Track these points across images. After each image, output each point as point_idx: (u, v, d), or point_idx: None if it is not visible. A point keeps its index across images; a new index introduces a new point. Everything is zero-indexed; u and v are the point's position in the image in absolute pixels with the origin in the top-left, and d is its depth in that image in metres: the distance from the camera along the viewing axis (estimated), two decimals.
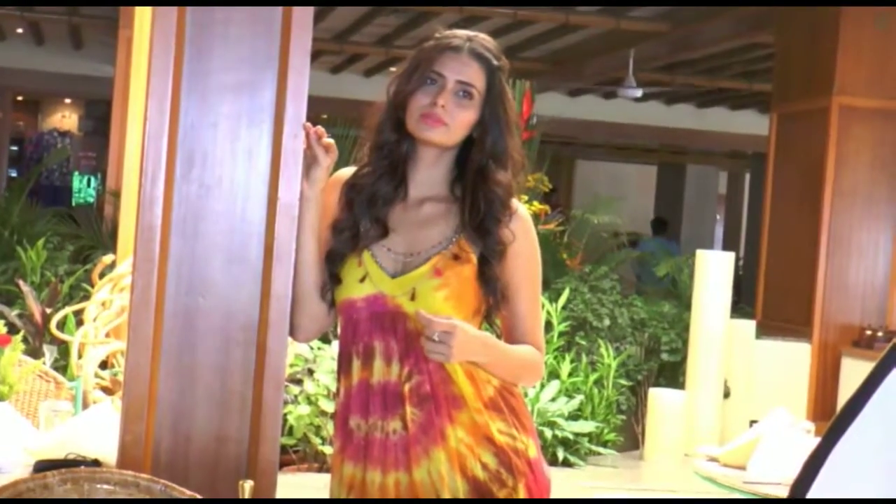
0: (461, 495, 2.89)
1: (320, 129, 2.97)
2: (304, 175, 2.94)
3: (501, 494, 2.92)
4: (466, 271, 2.94)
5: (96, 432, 3.75)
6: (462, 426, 2.92)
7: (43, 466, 3.31)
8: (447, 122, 2.94)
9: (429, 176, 3.03)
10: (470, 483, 2.91)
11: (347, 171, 3.09)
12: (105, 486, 2.60)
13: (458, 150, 3.02)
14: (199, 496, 2.61)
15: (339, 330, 3.06)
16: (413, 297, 2.90)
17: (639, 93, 13.21)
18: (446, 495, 2.89)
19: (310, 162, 2.95)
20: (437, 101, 2.93)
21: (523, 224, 3.02)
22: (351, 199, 3.03)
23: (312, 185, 2.95)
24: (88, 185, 18.21)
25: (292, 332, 3.00)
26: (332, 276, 3.00)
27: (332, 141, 2.98)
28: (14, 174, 17.91)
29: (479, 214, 2.96)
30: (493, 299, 2.97)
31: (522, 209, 3.03)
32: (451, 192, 3.02)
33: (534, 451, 3.00)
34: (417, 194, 3.03)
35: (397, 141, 3.01)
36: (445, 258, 2.94)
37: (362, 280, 2.95)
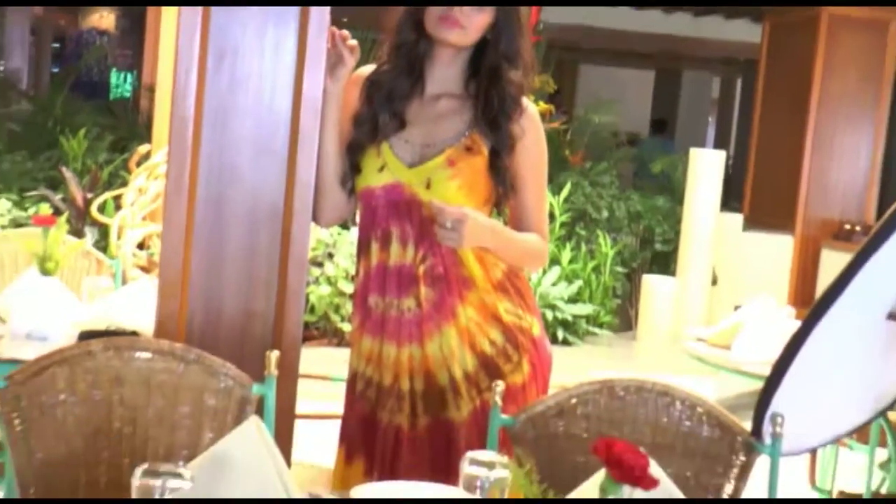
0: (470, 368, 2.93)
1: (345, 32, 2.95)
2: (329, 73, 2.94)
3: (507, 368, 2.95)
4: (478, 163, 2.94)
5: (135, 307, 3.78)
6: (472, 305, 2.95)
7: (86, 336, 3.35)
8: (464, 24, 2.92)
9: (445, 74, 3.02)
10: (478, 357, 2.94)
11: (368, 69, 3.08)
12: (144, 354, 2.63)
13: (472, 50, 3.00)
14: (229, 364, 2.64)
15: (358, 217, 3.07)
16: (428, 186, 2.91)
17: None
18: (456, 368, 2.92)
19: (335, 61, 2.94)
20: (455, 4, 2.92)
21: (532, 121, 3.01)
22: (371, 94, 3.01)
23: (336, 82, 2.95)
24: (125, 80, 18.12)
25: (315, 218, 3.01)
26: (353, 165, 3.00)
27: (355, 42, 2.97)
28: (56, 70, 17.83)
29: (491, 110, 2.95)
30: (502, 189, 2.97)
31: (532, 107, 3.02)
32: (466, 89, 3.01)
33: (537, 329, 3.03)
34: (434, 90, 3.02)
35: (416, 41, 2.99)
36: (459, 150, 2.93)
37: (381, 169, 2.96)
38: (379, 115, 2.99)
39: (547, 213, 3.09)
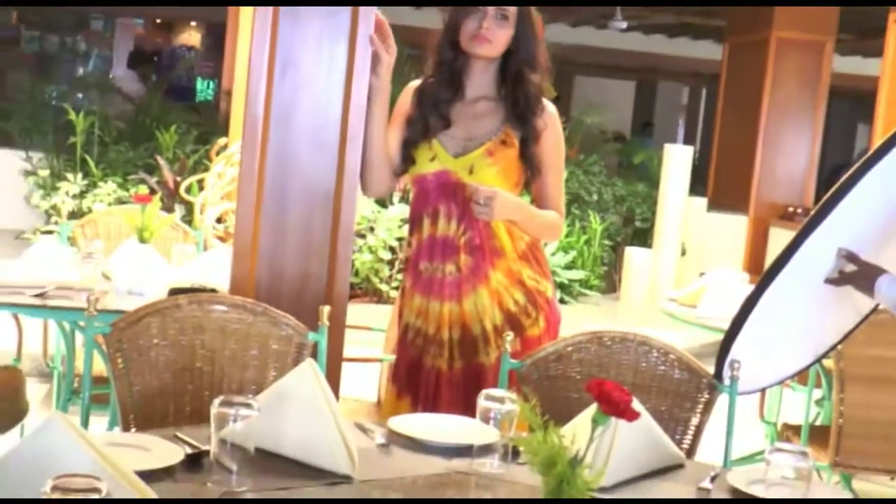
0: (497, 322, 2.94)
1: (380, 17, 2.91)
2: (371, 71, 2.91)
3: (527, 323, 2.97)
4: (511, 153, 2.95)
5: (214, 269, 3.78)
6: (501, 271, 2.96)
7: (175, 292, 3.34)
8: (491, 39, 2.94)
9: (480, 81, 3.02)
10: (504, 313, 2.95)
11: (417, 83, 3.08)
12: (220, 307, 2.63)
13: (500, 59, 3.00)
14: (290, 316, 2.63)
15: (411, 198, 3.06)
16: (471, 172, 2.93)
17: (624, 25, 12.98)
18: (487, 322, 2.94)
19: (374, 61, 2.91)
20: (483, 24, 2.93)
21: (552, 117, 3.02)
22: (421, 100, 3.03)
23: (379, 77, 2.92)
24: (208, 86, 18.10)
25: (364, 188, 3.00)
26: (408, 158, 3.00)
27: (390, 36, 2.94)
28: (153, 79, 17.84)
29: (518, 108, 2.96)
30: (530, 173, 2.98)
31: (551, 106, 3.03)
32: (498, 92, 3.02)
33: (550, 292, 3.05)
34: (472, 95, 3.03)
35: (454, 57, 3.01)
36: (496, 143, 2.95)
37: (432, 160, 2.97)
38: (428, 117, 3.00)
39: (563, 194, 3.07)
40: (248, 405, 1.92)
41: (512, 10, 2.95)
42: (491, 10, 2.93)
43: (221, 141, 7.17)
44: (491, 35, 2.93)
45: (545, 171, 2.99)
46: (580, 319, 8.09)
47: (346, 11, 2.87)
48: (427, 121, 3.00)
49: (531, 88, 2.97)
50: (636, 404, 1.82)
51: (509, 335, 2.68)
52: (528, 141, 2.96)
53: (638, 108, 19.11)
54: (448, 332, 2.95)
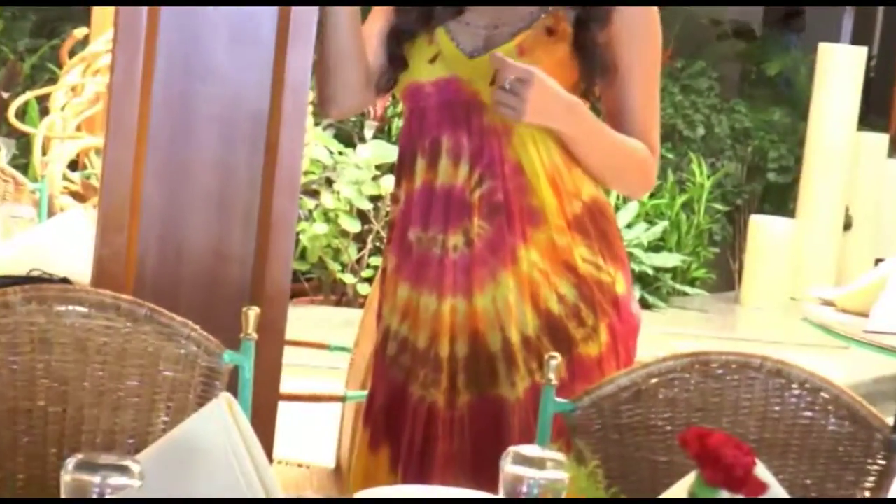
0: (530, 330, 2.93)
1: None
2: None
3: (579, 334, 2.95)
4: (561, 50, 2.94)
5: (65, 245, 3.80)
6: (538, 247, 2.95)
7: (1, 283, 3.36)
8: None
9: None
10: (542, 317, 2.94)
11: None
12: (78, 308, 2.64)
13: None
14: (191, 322, 2.65)
15: (401, 127, 3.09)
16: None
17: None
18: (513, 328, 2.93)
19: None
20: None
21: None
22: None
23: None
24: None
25: (322, 105, 3.04)
26: (396, 58, 3.01)
27: None
28: None
29: None
30: (595, 78, 2.97)
31: None
32: None
33: (622, 286, 3.02)
34: None
35: None
36: (537, 32, 2.94)
37: (433, 60, 2.97)
38: None
39: (658, 119, 3.05)
40: (123, 469, 1.94)
41: None
42: None
43: (78, 33, 7.18)
44: None
45: (623, 77, 2.99)
46: (673, 333, 8.12)
47: None
48: None
49: None
50: (762, 471, 1.85)
51: (555, 357, 2.70)
52: (591, 24, 2.94)
53: None
54: (449, 347, 2.95)
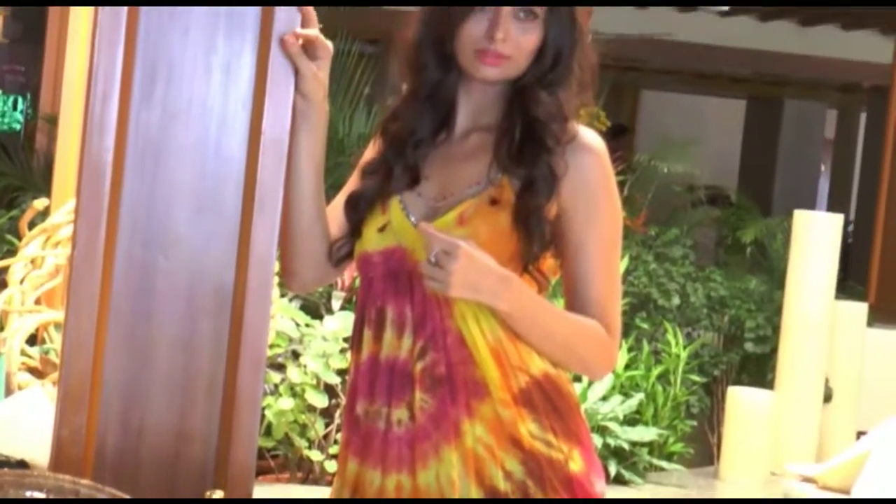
0: None
1: (305, 32, 2.96)
2: (296, 87, 2.95)
3: None
4: (503, 220, 2.95)
5: (24, 424, 3.77)
6: (483, 421, 2.95)
7: None
8: (509, 53, 2.98)
9: (480, 104, 3.07)
10: (487, 494, 2.93)
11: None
12: (36, 494, 2.62)
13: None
14: None
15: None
16: None
17: (725, 6, 13.19)
18: None
19: (302, 70, 2.95)
20: (495, 33, 2.96)
21: (589, 156, 3.00)
22: (385, 138, 3.10)
23: (306, 97, 2.97)
24: (14, 107, 18.22)
25: (286, 278, 3.07)
26: (354, 225, 3.06)
27: (316, 34, 2.97)
28: None
29: (528, 139, 2.98)
30: (537, 249, 2.96)
31: (590, 136, 3.02)
32: (504, 119, 3.04)
33: (578, 464, 3.00)
34: (464, 126, 3.08)
35: (441, 77, 3.06)
36: (479, 202, 2.96)
37: (382, 229, 3.01)
38: (393, 164, 3.05)
39: (618, 296, 3.05)
40: None
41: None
42: (507, 9, 2.97)
43: (38, 204, 7.19)
44: (509, 47, 2.97)
45: (577, 247, 3.00)
46: None
47: None
48: (390, 170, 3.06)
49: (545, 105, 2.98)
50: None
51: None
52: (534, 194, 2.95)
53: (750, 146, 19.29)
54: None
